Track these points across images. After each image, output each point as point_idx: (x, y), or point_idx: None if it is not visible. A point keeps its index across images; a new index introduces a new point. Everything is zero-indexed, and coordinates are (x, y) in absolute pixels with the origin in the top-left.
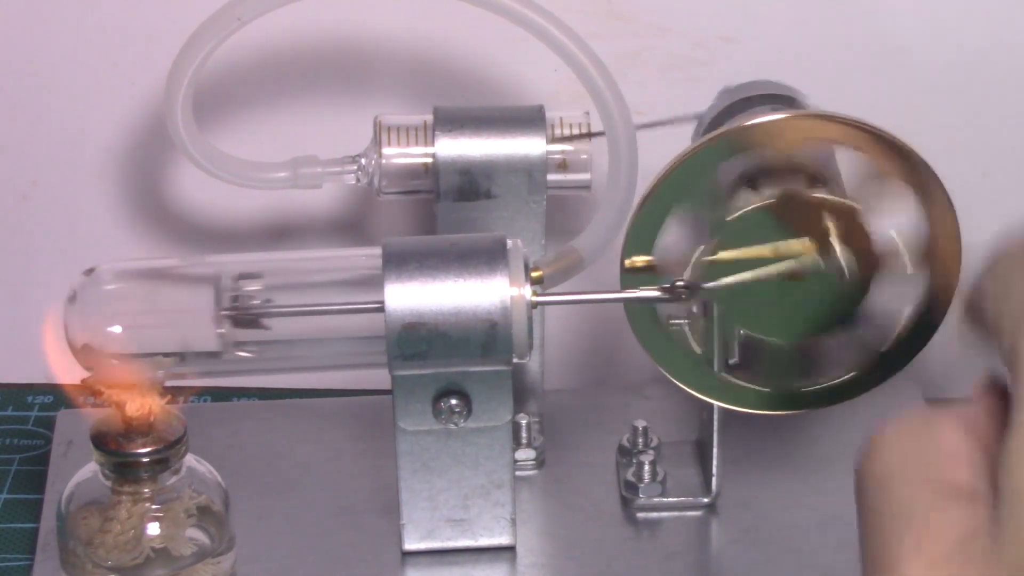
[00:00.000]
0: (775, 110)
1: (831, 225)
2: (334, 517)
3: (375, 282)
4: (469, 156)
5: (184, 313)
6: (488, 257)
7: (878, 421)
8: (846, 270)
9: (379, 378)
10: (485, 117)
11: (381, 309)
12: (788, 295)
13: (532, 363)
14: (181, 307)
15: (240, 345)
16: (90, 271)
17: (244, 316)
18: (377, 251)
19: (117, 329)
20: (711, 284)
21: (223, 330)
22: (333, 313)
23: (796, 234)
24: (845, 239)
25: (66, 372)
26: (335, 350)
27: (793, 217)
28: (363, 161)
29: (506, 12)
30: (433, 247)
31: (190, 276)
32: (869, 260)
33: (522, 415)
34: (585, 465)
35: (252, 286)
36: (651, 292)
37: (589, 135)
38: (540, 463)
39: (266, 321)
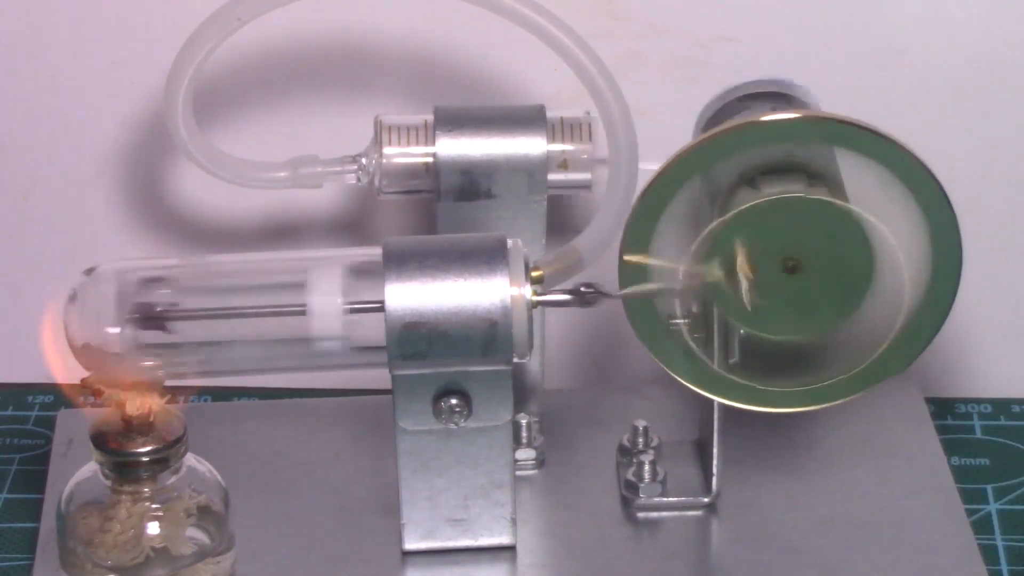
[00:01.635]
0: (774, 109)
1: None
2: (334, 517)
3: (295, 286)
4: (469, 156)
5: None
6: (488, 257)
7: None
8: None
9: (379, 378)
10: (485, 117)
11: (381, 308)
12: (788, 292)
13: (532, 363)
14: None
15: (145, 348)
16: (90, 271)
17: (145, 319)
18: (376, 250)
19: (117, 329)
20: (709, 282)
21: (122, 330)
22: (241, 317)
23: (794, 232)
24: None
25: (66, 372)
26: (256, 353)
27: (791, 216)
28: (363, 161)
29: (506, 12)
30: (433, 247)
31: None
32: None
33: (522, 415)
34: (585, 465)
35: (160, 288)
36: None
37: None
38: (540, 463)
39: (170, 325)
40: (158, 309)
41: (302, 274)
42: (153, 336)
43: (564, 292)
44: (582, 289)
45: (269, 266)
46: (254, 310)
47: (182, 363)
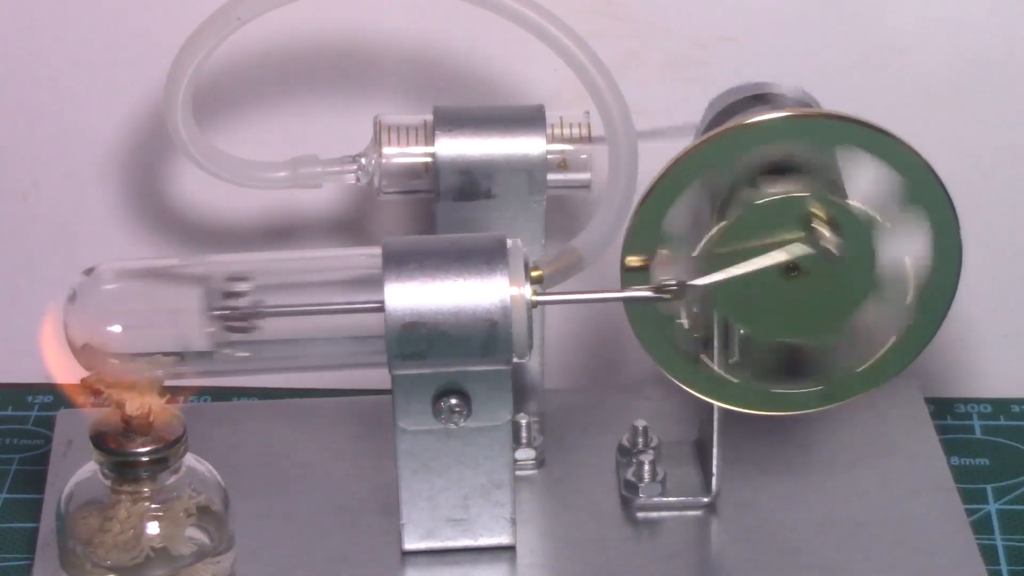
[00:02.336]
0: (775, 109)
1: (816, 212)
2: (334, 517)
3: (371, 281)
4: (469, 156)
5: (177, 313)
6: (488, 257)
7: None
8: (834, 250)
9: (379, 378)
10: (485, 117)
11: (378, 309)
12: (788, 293)
13: (532, 363)
14: (174, 307)
15: (232, 345)
16: (90, 271)
17: (233, 316)
18: (376, 251)
19: (117, 329)
20: (711, 282)
21: (212, 330)
22: (321, 313)
23: (793, 231)
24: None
25: (66, 372)
26: (329, 350)
27: (791, 216)
28: (363, 161)
29: (506, 12)
30: (433, 247)
31: (186, 276)
32: (867, 260)
33: (522, 415)
34: (585, 465)
35: (242, 286)
36: (651, 291)
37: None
38: (540, 463)
39: (258, 322)
40: (243, 307)
41: (373, 271)
42: (239, 335)
43: (657, 288)
44: (678, 284)
45: (343, 262)
46: (333, 307)
47: (263, 360)
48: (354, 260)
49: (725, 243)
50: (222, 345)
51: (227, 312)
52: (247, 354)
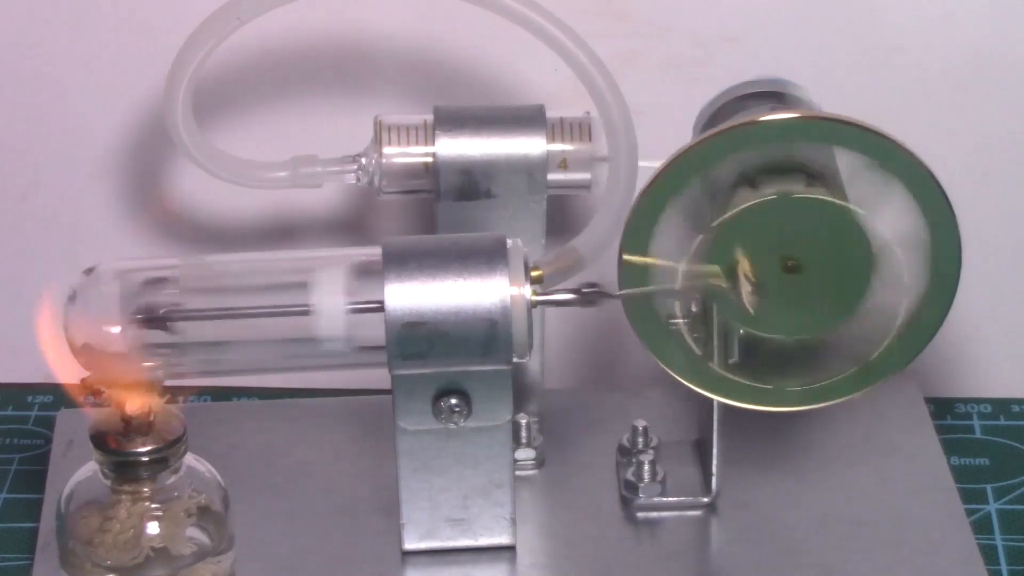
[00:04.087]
0: (774, 109)
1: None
2: (334, 517)
3: (299, 286)
4: (469, 156)
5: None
6: (488, 256)
7: None
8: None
9: (379, 378)
10: (485, 117)
11: (381, 308)
12: (788, 292)
13: (532, 363)
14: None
15: (149, 348)
16: (90, 271)
17: (149, 319)
18: (365, 249)
19: (117, 329)
20: (710, 282)
21: (125, 330)
22: (241, 317)
23: (793, 232)
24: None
25: (66, 372)
26: (260, 353)
27: (791, 216)
28: (363, 160)
29: (506, 12)
30: (433, 247)
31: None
32: (867, 260)
33: (522, 415)
34: (585, 465)
35: (163, 289)
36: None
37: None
38: (540, 463)
39: (174, 325)
40: (162, 310)
41: (306, 274)
42: (157, 336)
43: (566, 292)
44: (584, 289)
45: (272, 266)
46: (258, 310)
47: (185, 363)
48: (283, 264)
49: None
50: (138, 347)
51: (144, 315)
52: (167, 357)
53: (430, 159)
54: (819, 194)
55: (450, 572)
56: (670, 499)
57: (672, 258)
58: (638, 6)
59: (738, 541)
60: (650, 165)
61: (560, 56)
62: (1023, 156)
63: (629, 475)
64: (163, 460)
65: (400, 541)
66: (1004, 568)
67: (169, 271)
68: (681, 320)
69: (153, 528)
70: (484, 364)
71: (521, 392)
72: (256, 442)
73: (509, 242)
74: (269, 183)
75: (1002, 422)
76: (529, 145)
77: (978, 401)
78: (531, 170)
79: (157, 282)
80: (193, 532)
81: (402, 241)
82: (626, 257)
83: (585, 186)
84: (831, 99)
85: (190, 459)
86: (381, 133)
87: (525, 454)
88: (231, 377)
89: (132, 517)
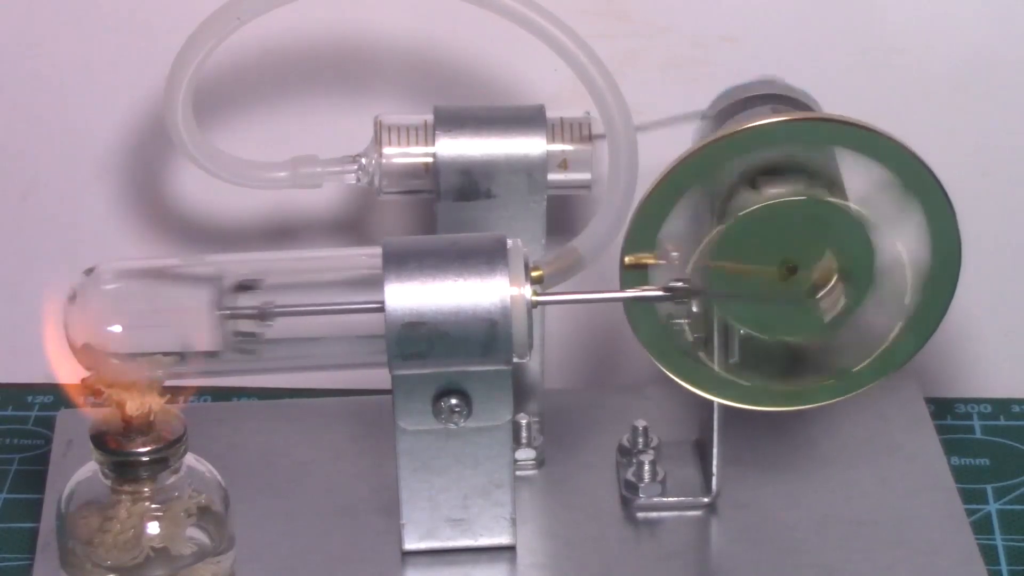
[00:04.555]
0: (776, 111)
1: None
2: (334, 517)
3: (375, 281)
4: (469, 156)
5: (183, 313)
6: (488, 257)
7: None
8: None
9: (379, 378)
10: (485, 117)
11: (381, 309)
12: (788, 293)
13: (532, 363)
14: (180, 307)
15: (240, 345)
16: (90, 271)
17: (243, 316)
18: (377, 251)
19: (117, 329)
20: (711, 283)
21: (221, 330)
22: (331, 313)
23: (795, 235)
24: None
25: (66, 372)
26: (335, 350)
27: (792, 218)
28: (363, 161)
29: (506, 12)
30: (433, 247)
31: (190, 276)
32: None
33: (522, 415)
34: (585, 465)
35: (252, 287)
36: (651, 292)
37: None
38: (540, 463)
39: (265, 322)
40: (256, 307)
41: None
42: (246, 336)
43: (657, 288)
44: (677, 284)
45: (343, 262)
46: (335, 307)
47: (270, 360)
48: (356, 260)
49: (726, 246)
50: (230, 345)
51: (238, 312)
52: (252, 355)
53: (430, 159)
54: (820, 195)
55: (450, 572)
56: (670, 499)
57: (674, 259)
58: (638, 6)
59: (738, 541)
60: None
61: (560, 56)
62: (1023, 156)
63: (629, 475)
64: (163, 460)
65: (400, 541)
66: (1004, 568)
67: (257, 269)
68: (681, 320)
69: (153, 528)
70: (484, 364)
71: (521, 392)
72: (256, 442)
73: (509, 242)
74: (269, 183)
75: (1002, 422)
76: (529, 145)
77: (978, 401)
78: (531, 170)
79: (245, 279)
80: (193, 532)
81: (402, 241)
82: (628, 260)
83: (585, 186)
84: (831, 99)
85: (190, 459)
86: (381, 133)
87: (525, 454)
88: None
89: (132, 517)
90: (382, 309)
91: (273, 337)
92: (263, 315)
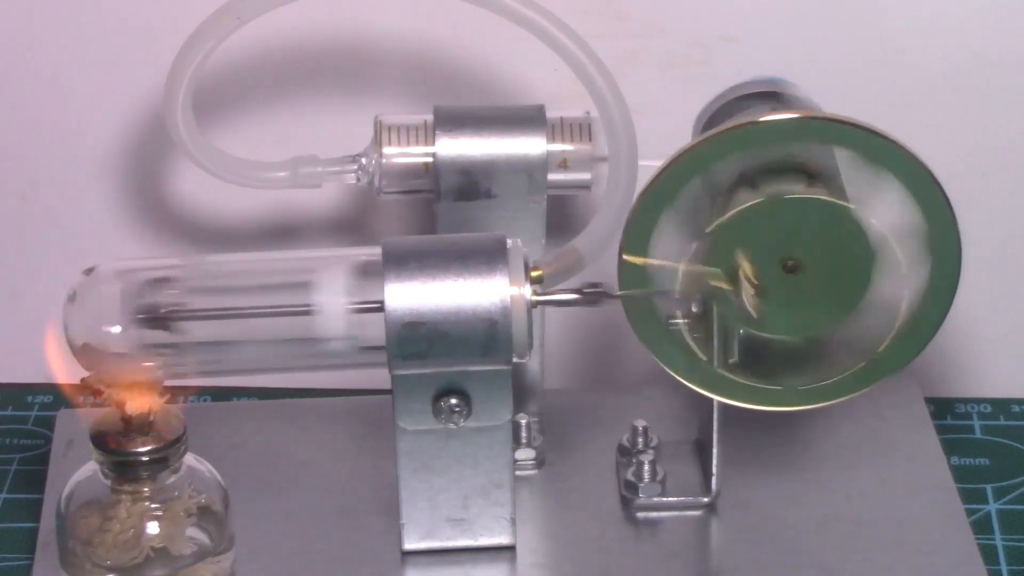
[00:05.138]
0: (774, 110)
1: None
2: (334, 517)
3: (301, 286)
4: (469, 156)
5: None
6: (488, 256)
7: None
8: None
9: (379, 378)
10: (485, 117)
11: (381, 308)
12: (788, 292)
13: (532, 363)
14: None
15: (150, 348)
16: (90, 271)
17: (151, 319)
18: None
19: (117, 329)
20: (710, 283)
21: (126, 331)
22: (247, 317)
23: (793, 232)
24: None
25: (66, 372)
26: (262, 353)
27: (791, 216)
28: (363, 160)
29: (506, 12)
30: (433, 247)
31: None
32: (867, 260)
33: (522, 415)
34: (585, 465)
35: (165, 289)
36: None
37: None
38: (540, 463)
39: (176, 325)
40: (163, 310)
41: (308, 274)
42: (158, 336)
43: (568, 292)
44: (586, 289)
45: (274, 266)
46: (260, 310)
47: (187, 363)
48: (286, 264)
49: (723, 243)
50: (138, 346)
51: (148, 314)
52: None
53: (430, 159)
54: (819, 194)
55: (450, 572)
56: (670, 499)
57: (672, 259)
58: (638, 6)
59: (738, 541)
60: (650, 164)
61: (560, 56)
62: (1023, 156)
63: (629, 475)
64: (163, 460)
65: (400, 541)
66: (1004, 568)
67: (170, 271)
68: (681, 320)
69: (153, 528)
70: (484, 364)
71: (521, 392)
72: (256, 442)
73: (509, 242)
74: (269, 183)
75: (1002, 422)
76: (529, 145)
77: (978, 401)
78: (531, 170)
79: (159, 282)
80: (193, 532)
81: (402, 241)
82: (626, 257)
83: (585, 186)
84: (831, 99)
85: (190, 459)
86: (381, 133)
87: (525, 454)
88: (231, 377)
89: (132, 517)
90: (381, 309)
91: (184, 341)
92: (170, 318)
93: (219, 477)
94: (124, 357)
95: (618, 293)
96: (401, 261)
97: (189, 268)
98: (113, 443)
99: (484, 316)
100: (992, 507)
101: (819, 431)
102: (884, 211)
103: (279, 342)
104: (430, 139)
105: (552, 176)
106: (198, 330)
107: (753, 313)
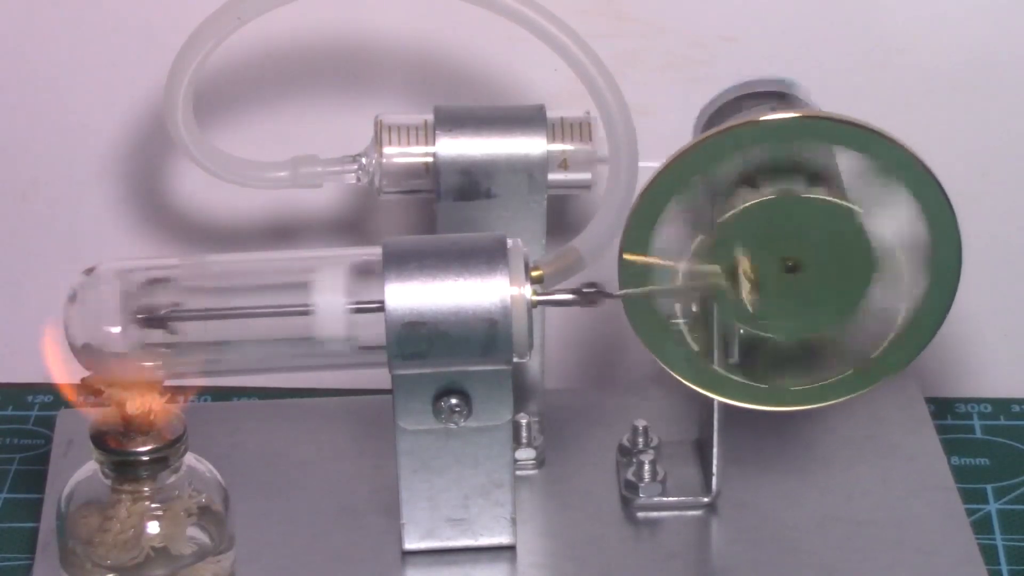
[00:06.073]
0: (774, 109)
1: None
2: (334, 517)
3: (299, 286)
4: (470, 156)
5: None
6: (488, 256)
7: None
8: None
9: (379, 378)
10: (485, 117)
11: (382, 309)
12: (788, 292)
13: (532, 363)
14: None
15: (149, 348)
16: (90, 271)
17: (150, 319)
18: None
19: (117, 329)
20: (711, 284)
21: (126, 330)
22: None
23: (794, 232)
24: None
25: (66, 372)
26: (260, 353)
27: (791, 216)
28: (363, 160)
29: (506, 12)
30: (433, 246)
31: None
32: (867, 260)
33: (522, 415)
34: (585, 465)
35: (164, 289)
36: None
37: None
38: (540, 463)
39: (174, 325)
40: (163, 310)
41: (306, 274)
42: (158, 336)
43: (566, 292)
44: (584, 289)
45: (272, 266)
46: (258, 310)
47: (186, 363)
48: (285, 264)
49: (724, 242)
50: (138, 346)
51: (146, 315)
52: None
53: (430, 159)
54: (820, 194)
55: (450, 572)
56: (670, 499)
57: (672, 258)
58: (638, 6)
59: (738, 541)
60: (650, 165)
61: (560, 56)
62: (1023, 156)
63: (629, 475)
64: (163, 460)
65: (400, 541)
66: (1004, 568)
67: (169, 271)
68: (681, 320)
69: (153, 528)
70: (484, 364)
71: (521, 392)
72: (256, 442)
73: (509, 242)
74: (269, 183)
75: (1002, 422)
76: (529, 145)
77: (978, 401)
78: (531, 170)
79: (157, 282)
80: (193, 532)
81: (402, 241)
82: (626, 257)
83: (585, 186)
84: (831, 99)
85: (190, 459)
86: (381, 133)
87: (525, 454)
88: (231, 377)
89: (132, 517)
90: (382, 309)
91: (183, 341)
92: (168, 318)
93: (219, 477)
94: (124, 357)
95: (618, 293)
96: (401, 261)
97: (189, 268)
98: (113, 443)
99: (484, 316)
100: (992, 507)
101: (819, 431)
102: (886, 214)
103: (279, 342)
104: (430, 139)
105: (552, 176)
106: (198, 330)
107: (751, 311)
